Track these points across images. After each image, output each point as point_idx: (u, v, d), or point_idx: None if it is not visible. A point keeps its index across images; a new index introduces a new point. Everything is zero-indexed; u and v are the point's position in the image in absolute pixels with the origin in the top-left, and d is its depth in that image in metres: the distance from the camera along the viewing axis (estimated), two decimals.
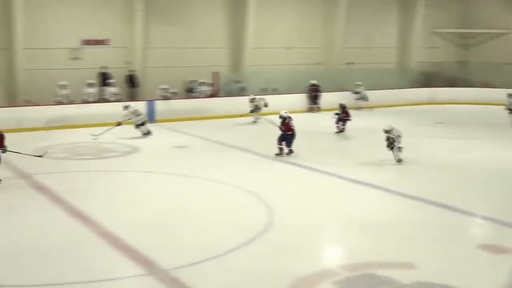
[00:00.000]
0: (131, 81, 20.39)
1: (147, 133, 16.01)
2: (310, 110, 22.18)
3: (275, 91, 21.94)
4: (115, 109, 16.81)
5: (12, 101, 18.42)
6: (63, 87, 18.45)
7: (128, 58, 20.75)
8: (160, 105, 19.45)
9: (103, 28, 20.45)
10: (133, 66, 20.69)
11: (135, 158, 13.55)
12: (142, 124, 16.07)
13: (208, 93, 21.22)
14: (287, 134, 13.26)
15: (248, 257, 7.18)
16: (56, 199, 9.71)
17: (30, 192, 10.38)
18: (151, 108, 19.03)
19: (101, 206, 9.33)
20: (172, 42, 21.49)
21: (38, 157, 11.64)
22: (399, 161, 12.37)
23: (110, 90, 19.34)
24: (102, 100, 19.19)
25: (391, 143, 12.27)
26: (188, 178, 11.47)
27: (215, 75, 21.56)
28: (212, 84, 21.38)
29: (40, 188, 10.49)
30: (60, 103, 18.32)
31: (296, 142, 13.46)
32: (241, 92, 21.59)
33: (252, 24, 22.49)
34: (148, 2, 20.66)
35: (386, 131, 12.37)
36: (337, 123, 16.64)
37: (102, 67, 19.90)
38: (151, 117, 18.39)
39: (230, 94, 21.68)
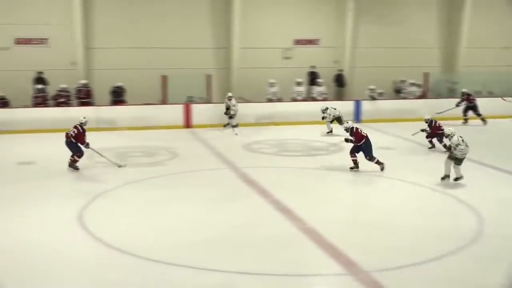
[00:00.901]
0: (339, 80, 20.63)
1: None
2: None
3: (490, 94, 20.49)
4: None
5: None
6: (272, 85, 19.32)
7: (336, 58, 21.04)
8: (366, 105, 19.37)
9: (314, 28, 21.02)
10: (341, 65, 20.92)
11: (340, 156, 13.64)
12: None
13: (417, 94, 20.56)
14: (360, 145, 11.70)
15: (452, 266, 6.84)
16: (263, 192, 10.20)
17: (239, 183, 11.02)
18: (358, 108, 19.09)
19: (308, 203, 9.56)
20: (381, 41, 21.25)
21: (119, 166, 12.09)
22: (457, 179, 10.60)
23: (318, 89, 19.74)
24: (310, 98, 19.71)
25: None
26: (392, 180, 11.26)
27: (425, 75, 20.83)
28: (421, 85, 20.68)
29: (249, 181, 11.06)
30: (270, 100, 19.21)
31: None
32: (450, 93, 20.57)
33: (466, 22, 21.29)
34: (359, 1, 20.71)
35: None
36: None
37: (311, 66, 20.45)
38: (357, 117, 18.50)
39: (439, 95, 20.77)
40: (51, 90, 17.96)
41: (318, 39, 21.07)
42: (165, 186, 10.88)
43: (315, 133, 16.45)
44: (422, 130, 14.22)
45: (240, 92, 19.16)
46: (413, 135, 14.69)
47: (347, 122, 12.25)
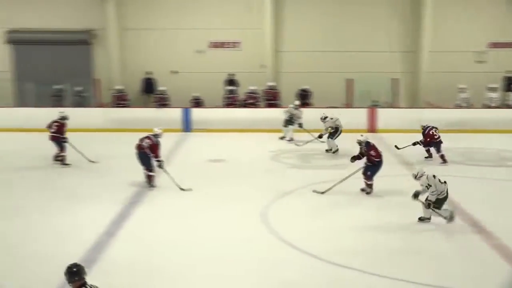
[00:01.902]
0: None
1: None
2: None
3: None
4: None
5: (413, 103, 19.47)
6: (463, 90, 18.44)
7: None
8: None
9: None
10: None
11: None
12: None
13: None
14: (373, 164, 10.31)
15: None
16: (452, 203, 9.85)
17: None
18: None
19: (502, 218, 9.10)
20: None
21: (181, 189, 10.74)
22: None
23: None
24: (504, 106, 18.49)
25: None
26: None
27: None
28: None
29: None
30: (459, 106, 18.37)
31: None
32: None
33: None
34: None
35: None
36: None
37: (507, 71, 19.17)
38: None
39: None
40: (241, 92, 19.03)
41: None
42: (346, 190, 10.92)
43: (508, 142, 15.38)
44: (414, 144, 13.19)
45: (427, 96, 18.62)
46: (399, 148, 13.56)
47: (362, 135, 10.85)
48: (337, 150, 14.28)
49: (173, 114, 18.14)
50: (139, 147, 10.69)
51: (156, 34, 20.27)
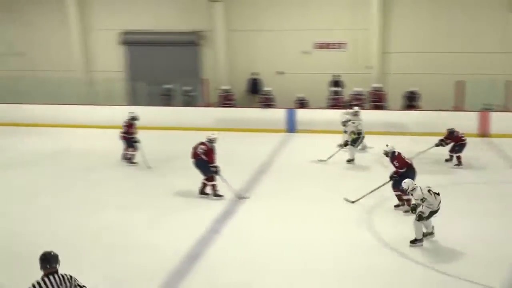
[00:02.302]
0: None
1: None
2: None
3: None
4: None
5: None
6: None
7: None
8: None
9: None
10: None
11: None
12: None
13: None
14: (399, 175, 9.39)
15: None
16: None
17: None
18: None
19: None
20: None
21: (239, 198, 10.46)
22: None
23: None
24: None
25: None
26: None
27: None
28: None
29: None
30: None
31: None
32: None
33: None
34: None
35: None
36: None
37: None
38: None
39: None
40: (346, 93, 18.99)
41: None
42: (462, 196, 10.68)
43: None
44: (438, 145, 13.08)
45: None
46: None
47: (387, 145, 10.05)
48: (352, 160, 13.44)
49: (278, 114, 18.38)
50: (195, 155, 10.30)
51: (262, 35, 20.59)
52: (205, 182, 10.33)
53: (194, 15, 20.88)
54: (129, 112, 13.86)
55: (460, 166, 12.87)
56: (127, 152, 13.50)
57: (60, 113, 19.18)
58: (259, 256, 7.83)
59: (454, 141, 12.99)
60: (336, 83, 19.31)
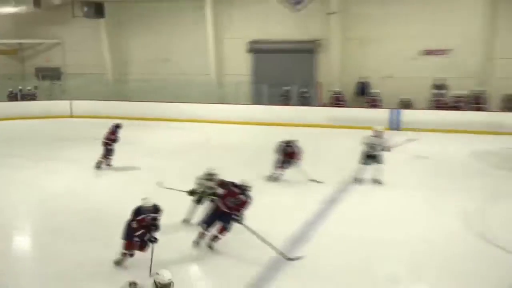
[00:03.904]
0: None
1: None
2: None
3: None
4: None
5: None
6: None
7: None
8: None
9: None
10: None
11: None
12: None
13: None
14: None
15: None
16: None
17: None
18: None
19: None
20: None
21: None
22: None
23: None
24: None
25: None
26: None
27: None
28: None
29: None
30: None
31: None
32: None
33: None
34: None
35: None
36: None
37: None
38: None
39: None
40: (448, 95, 19.78)
41: None
42: None
43: None
44: None
45: None
46: None
47: None
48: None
49: (382, 114, 19.27)
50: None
51: (371, 43, 21.25)
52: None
53: (313, 26, 21.70)
54: (114, 123, 13.72)
55: None
56: (105, 158, 13.40)
57: (202, 111, 21.34)
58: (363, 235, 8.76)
59: None
60: (439, 86, 20.12)
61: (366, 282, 7.38)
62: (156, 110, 21.83)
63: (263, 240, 7.79)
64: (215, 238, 8.03)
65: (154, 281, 5.41)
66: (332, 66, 21.87)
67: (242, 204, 7.84)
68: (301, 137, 12.72)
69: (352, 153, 12.52)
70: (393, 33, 20.98)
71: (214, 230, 8.07)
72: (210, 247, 8.05)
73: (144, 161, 14.21)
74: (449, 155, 15.09)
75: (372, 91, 20.86)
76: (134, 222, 7.10)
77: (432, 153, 14.88)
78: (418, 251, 8.35)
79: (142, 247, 7.30)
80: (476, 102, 19.43)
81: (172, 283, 5.43)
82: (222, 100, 22.48)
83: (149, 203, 7.16)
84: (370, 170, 11.87)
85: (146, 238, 7.19)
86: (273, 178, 12.13)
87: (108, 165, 13.44)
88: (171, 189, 9.31)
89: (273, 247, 7.77)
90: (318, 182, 11.92)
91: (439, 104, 19.75)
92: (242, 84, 22.50)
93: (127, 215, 7.42)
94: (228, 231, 8.00)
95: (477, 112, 18.91)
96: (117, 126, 13.50)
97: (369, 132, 11.84)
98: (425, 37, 20.67)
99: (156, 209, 7.18)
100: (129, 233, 7.25)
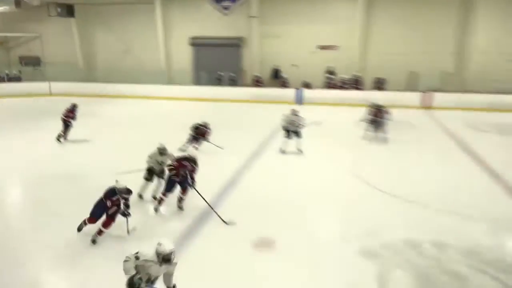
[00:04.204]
0: None
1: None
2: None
3: None
4: None
5: None
6: None
7: None
8: None
9: None
10: None
11: None
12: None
13: None
14: None
15: None
16: None
17: None
18: None
19: None
20: None
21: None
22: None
23: None
24: None
25: None
26: None
27: None
28: None
29: None
30: None
31: None
32: None
33: None
34: None
35: None
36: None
37: None
38: None
39: None
40: (337, 79, 20.16)
41: None
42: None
43: None
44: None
45: None
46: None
47: None
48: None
49: (290, 92, 19.56)
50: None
51: (283, 39, 21.13)
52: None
53: (238, 26, 21.23)
54: (72, 103, 12.35)
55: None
56: (63, 132, 12.05)
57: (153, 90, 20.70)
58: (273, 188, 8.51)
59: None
60: (331, 72, 20.57)
61: (277, 217, 7.36)
62: (117, 90, 21.13)
63: (208, 203, 7.28)
64: (181, 199, 7.50)
65: (156, 251, 4.40)
66: (253, 57, 21.76)
67: (192, 171, 7.33)
68: (230, 110, 12.65)
69: (267, 122, 12.62)
70: (298, 32, 20.98)
71: (177, 193, 7.45)
72: (180, 207, 7.48)
73: (106, 131, 13.76)
74: (337, 122, 15.45)
75: (283, 75, 21.00)
76: (108, 201, 6.36)
77: (326, 121, 15.06)
78: (320, 193, 8.39)
79: (108, 223, 6.44)
80: (356, 84, 19.95)
81: (173, 252, 4.46)
82: (170, 82, 22.03)
83: (122, 185, 6.36)
84: (292, 142, 11.10)
85: (116, 215, 6.41)
86: (181, 150, 10.44)
87: (65, 139, 12.06)
88: (129, 172, 8.27)
89: (214, 211, 7.17)
90: (219, 147, 11.03)
91: (330, 85, 20.19)
92: (185, 71, 22.15)
93: (96, 174, 7.07)
94: (188, 192, 7.43)
95: (356, 91, 19.45)
96: (74, 106, 12.17)
97: (287, 110, 11.53)
98: (320, 36, 20.79)
99: (128, 191, 6.47)
100: (98, 211, 6.41)
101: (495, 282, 5.32)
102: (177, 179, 7.33)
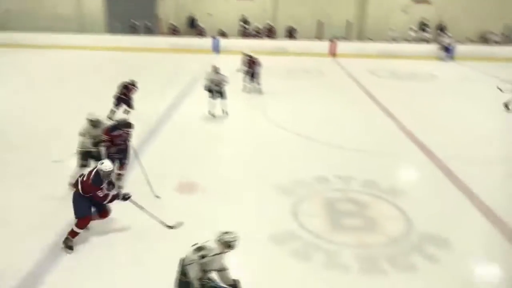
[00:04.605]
0: None
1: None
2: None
3: None
4: None
5: None
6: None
7: None
8: None
9: None
10: None
11: None
12: None
13: None
14: None
15: None
16: None
17: None
18: None
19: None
20: None
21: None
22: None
23: None
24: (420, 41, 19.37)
25: None
26: None
27: None
28: None
29: None
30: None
31: None
32: None
33: None
34: None
35: None
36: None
37: (422, 18, 19.88)
38: None
39: None
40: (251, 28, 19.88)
41: None
42: None
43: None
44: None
45: None
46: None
47: None
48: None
49: (207, 41, 19.16)
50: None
51: None
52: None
53: None
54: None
55: None
56: None
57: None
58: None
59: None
60: (245, 21, 20.30)
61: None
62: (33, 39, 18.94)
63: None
64: (119, 175, 6.05)
65: (222, 240, 3.61)
66: (168, 5, 20.75)
67: (125, 141, 6.13)
68: (147, 60, 12.03)
69: (183, 70, 12.20)
70: None
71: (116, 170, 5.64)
72: (119, 186, 5.59)
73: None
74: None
75: (199, 24, 20.30)
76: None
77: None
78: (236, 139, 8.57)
79: (103, 214, 5.06)
80: (269, 32, 19.89)
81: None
82: (82, 30, 20.30)
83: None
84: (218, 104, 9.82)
85: (116, 198, 4.87)
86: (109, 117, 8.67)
87: None
88: (61, 161, 6.53)
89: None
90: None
91: (245, 34, 19.97)
92: (100, 20, 20.44)
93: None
94: (126, 165, 6.29)
95: (269, 39, 19.43)
96: None
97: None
98: None
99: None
100: (83, 205, 4.78)
101: (390, 205, 5.94)
102: (117, 156, 6.05)
